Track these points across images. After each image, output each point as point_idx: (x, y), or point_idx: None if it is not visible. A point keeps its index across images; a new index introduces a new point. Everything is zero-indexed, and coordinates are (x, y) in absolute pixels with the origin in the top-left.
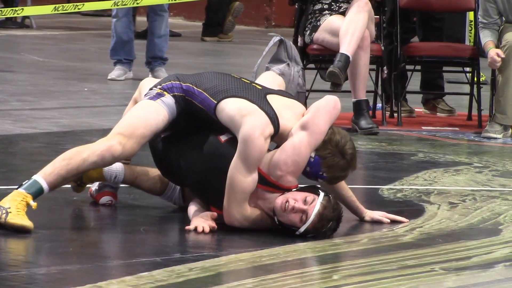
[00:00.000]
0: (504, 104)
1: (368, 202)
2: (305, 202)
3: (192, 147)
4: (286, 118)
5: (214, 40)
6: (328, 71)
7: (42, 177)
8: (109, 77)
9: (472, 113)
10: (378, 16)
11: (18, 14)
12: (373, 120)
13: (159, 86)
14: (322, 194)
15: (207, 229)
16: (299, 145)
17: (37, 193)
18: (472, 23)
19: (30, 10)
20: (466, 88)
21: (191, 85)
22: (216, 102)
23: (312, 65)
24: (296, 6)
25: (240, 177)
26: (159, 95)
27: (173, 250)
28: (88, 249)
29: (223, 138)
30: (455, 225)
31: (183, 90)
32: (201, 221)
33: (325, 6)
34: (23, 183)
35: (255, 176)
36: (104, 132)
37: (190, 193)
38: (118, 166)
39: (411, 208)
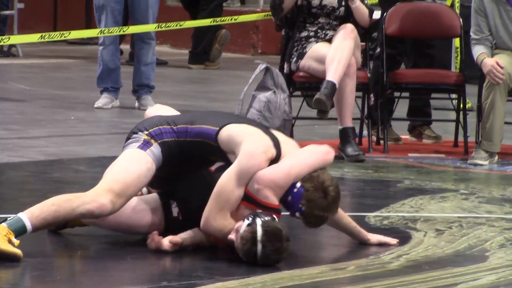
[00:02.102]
0: (490, 130)
1: None
2: (236, 231)
3: (186, 188)
4: (285, 149)
5: (200, 67)
6: (314, 99)
7: (28, 218)
8: (95, 106)
9: (458, 139)
10: (364, 43)
11: (4, 42)
12: (359, 147)
13: (145, 132)
14: (246, 222)
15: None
16: (283, 166)
17: (20, 232)
18: (458, 49)
19: (16, 39)
20: (452, 115)
21: (184, 125)
22: (218, 128)
23: (298, 93)
24: (283, 33)
25: (230, 187)
26: (147, 144)
27: (159, 278)
28: (75, 277)
29: (212, 168)
30: (441, 252)
31: (175, 134)
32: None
33: (311, 34)
34: (8, 218)
35: (242, 191)
36: (91, 161)
37: None
38: None
39: (397, 235)
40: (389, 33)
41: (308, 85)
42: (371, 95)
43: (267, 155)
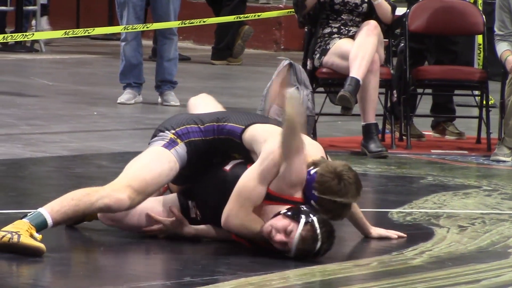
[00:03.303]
0: None
1: (377, 226)
2: (285, 233)
3: (202, 188)
4: (309, 150)
5: (223, 63)
6: (338, 95)
7: (48, 213)
8: (118, 101)
9: (481, 136)
10: (387, 40)
11: (28, 38)
12: (382, 143)
13: (172, 131)
14: (302, 222)
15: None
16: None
17: (41, 227)
18: (481, 46)
19: (40, 35)
20: (475, 112)
21: (211, 124)
22: (244, 127)
23: (321, 89)
24: (306, 30)
25: (252, 184)
26: (172, 143)
27: (182, 274)
28: (98, 272)
29: (227, 167)
30: (464, 248)
31: (202, 133)
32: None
33: (335, 30)
34: (28, 213)
35: (264, 190)
36: (113, 156)
37: None
38: None
39: (420, 232)
40: (412, 29)
41: (331, 81)
42: (394, 92)
43: None
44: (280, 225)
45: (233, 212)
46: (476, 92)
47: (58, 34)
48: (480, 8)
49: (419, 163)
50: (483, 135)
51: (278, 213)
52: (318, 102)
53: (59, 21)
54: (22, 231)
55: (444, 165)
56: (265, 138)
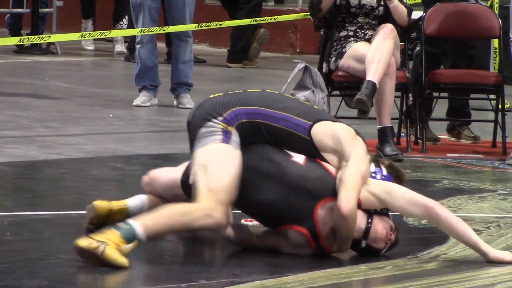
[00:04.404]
0: None
1: None
2: (392, 230)
3: (260, 172)
4: None
5: (239, 66)
6: (355, 99)
7: (142, 230)
8: (134, 103)
9: (496, 140)
10: (403, 43)
11: (45, 40)
12: (397, 147)
13: (220, 118)
14: (389, 222)
15: None
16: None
17: (130, 241)
18: (497, 50)
19: (57, 37)
20: (491, 116)
21: (259, 107)
22: (311, 123)
23: (337, 92)
24: (322, 33)
25: (360, 180)
26: (227, 134)
27: (197, 276)
28: (113, 274)
29: (299, 160)
30: None
31: (250, 115)
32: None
33: (351, 33)
34: (121, 226)
35: None
36: (129, 158)
37: None
38: (143, 201)
39: (435, 235)
40: (428, 33)
41: (347, 85)
42: (410, 95)
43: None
44: (388, 224)
45: (353, 201)
46: (492, 96)
47: (75, 36)
48: (496, 12)
49: (434, 167)
50: (499, 139)
51: (371, 213)
52: (334, 105)
53: (75, 23)
54: (110, 242)
55: (460, 169)
56: (352, 138)
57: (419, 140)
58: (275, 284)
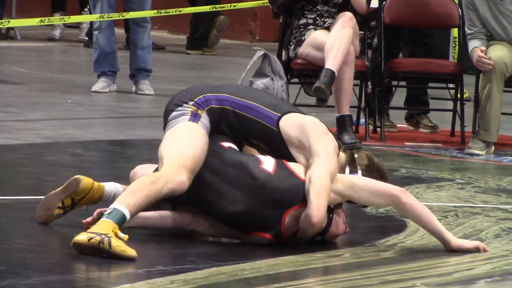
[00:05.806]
0: (487, 121)
1: (350, 218)
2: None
3: (230, 180)
4: None
5: (198, 53)
6: (314, 87)
7: (126, 208)
8: (92, 89)
9: (455, 129)
10: (362, 32)
11: (4, 25)
12: (356, 135)
13: (191, 103)
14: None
15: None
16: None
17: (121, 223)
18: (456, 39)
19: (16, 22)
20: (450, 105)
21: (231, 95)
22: (280, 114)
23: (296, 80)
24: (281, 20)
25: (328, 181)
26: (196, 116)
27: (154, 262)
28: (69, 260)
29: (268, 168)
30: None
31: (220, 101)
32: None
33: (310, 21)
34: (107, 213)
35: None
36: (87, 144)
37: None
38: (118, 187)
39: (393, 224)
40: (388, 22)
41: (305, 73)
42: (369, 83)
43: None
44: (343, 218)
45: (323, 208)
46: (451, 85)
47: (34, 22)
48: (456, 1)
49: (392, 155)
50: (457, 128)
51: (332, 209)
52: (293, 93)
53: (34, 8)
54: (110, 232)
55: (418, 158)
56: (318, 132)
57: (377, 129)
58: (231, 271)
